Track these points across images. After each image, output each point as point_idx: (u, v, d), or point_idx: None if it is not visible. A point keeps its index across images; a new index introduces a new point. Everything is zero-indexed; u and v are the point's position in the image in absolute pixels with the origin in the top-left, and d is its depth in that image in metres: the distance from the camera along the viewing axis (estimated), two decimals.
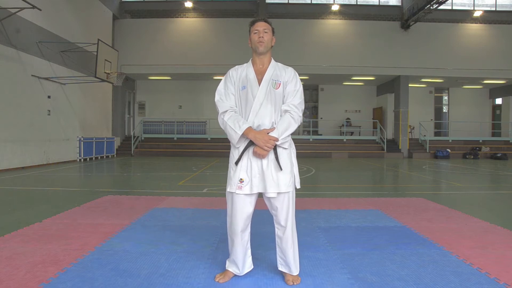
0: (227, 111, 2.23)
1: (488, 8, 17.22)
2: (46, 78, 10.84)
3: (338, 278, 2.37)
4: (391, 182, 8.46)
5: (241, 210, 2.23)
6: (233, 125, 2.17)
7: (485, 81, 17.84)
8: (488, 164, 12.77)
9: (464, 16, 16.97)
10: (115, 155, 15.36)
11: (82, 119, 13.18)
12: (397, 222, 3.87)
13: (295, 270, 2.31)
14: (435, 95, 19.76)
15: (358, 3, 17.06)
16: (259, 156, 2.17)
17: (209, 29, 16.64)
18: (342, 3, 16.78)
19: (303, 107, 2.27)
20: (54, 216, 4.04)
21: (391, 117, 17.79)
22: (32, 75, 10.23)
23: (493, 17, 17.01)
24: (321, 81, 18.77)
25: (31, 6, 8.86)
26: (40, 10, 9.45)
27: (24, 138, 9.94)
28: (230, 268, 2.37)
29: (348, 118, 19.01)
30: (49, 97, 11.03)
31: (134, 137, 16.49)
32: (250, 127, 2.17)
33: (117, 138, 16.21)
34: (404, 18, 16.45)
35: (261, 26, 2.26)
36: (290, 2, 17.00)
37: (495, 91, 19.34)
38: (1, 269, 2.45)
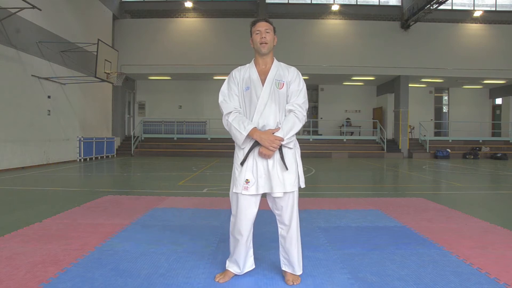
0: (231, 112, 2.23)
1: (488, 8, 17.22)
2: (46, 78, 10.84)
3: (338, 278, 2.37)
4: (391, 182, 8.46)
5: (246, 211, 2.23)
6: (238, 126, 2.17)
7: (485, 81, 17.84)
8: (488, 164, 12.77)
9: (464, 16, 16.97)
10: (115, 155, 15.36)
11: (82, 119, 13.18)
12: (397, 222, 3.87)
13: (298, 270, 2.31)
14: (435, 95, 19.76)
15: (358, 3, 17.06)
16: (265, 156, 2.17)
17: (209, 29, 16.64)
18: (342, 3, 16.79)
19: (307, 106, 2.28)
20: (54, 216, 4.04)
21: (391, 117, 17.79)
22: (32, 75, 10.23)
23: (493, 17, 17.01)
24: (321, 81, 18.77)
25: (31, 6, 8.86)
26: (40, 10, 9.45)
27: (24, 138, 9.94)
28: (230, 268, 2.37)
29: (348, 118, 19.01)
30: (49, 97, 11.03)
31: (134, 137, 16.49)
32: (255, 127, 2.17)
33: (117, 138, 16.21)
34: (404, 18, 16.45)
35: (262, 26, 2.25)
36: (290, 2, 17.00)
37: (495, 91, 19.34)
38: (1, 269, 2.45)
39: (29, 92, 10.16)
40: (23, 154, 9.89)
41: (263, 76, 2.26)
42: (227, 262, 2.40)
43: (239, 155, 2.25)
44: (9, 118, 9.35)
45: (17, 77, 9.68)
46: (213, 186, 6.77)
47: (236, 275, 2.38)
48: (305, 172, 9.31)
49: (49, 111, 11.09)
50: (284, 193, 2.20)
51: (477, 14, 16.84)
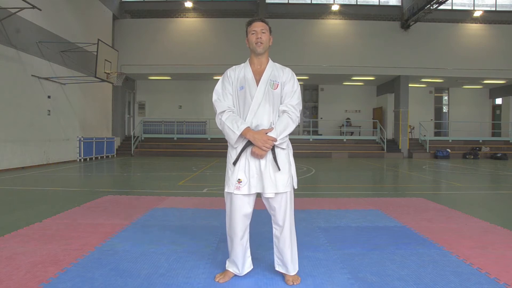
0: (225, 111, 2.23)
1: (488, 8, 17.22)
2: (46, 78, 10.84)
3: (338, 278, 2.37)
4: (391, 182, 8.46)
5: (240, 210, 2.23)
6: (231, 125, 2.17)
7: (485, 81, 17.84)
8: (488, 164, 12.77)
9: (464, 16, 16.97)
10: (115, 155, 15.36)
11: (82, 119, 13.18)
12: (397, 222, 3.87)
13: (292, 270, 2.31)
14: (435, 95, 19.76)
15: (358, 3, 17.06)
16: (257, 156, 2.17)
17: (209, 29, 16.64)
18: (342, 3, 16.79)
19: (301, 108, 2.29)
20: (54, 216, 4.04)
21: (391, 117, 17.79)
22: (32, 75, 10.23)
23: (493, 17, 17.01)
24: (321, 81, 18.77)
25: (31, 6, 8.86)
26: (40, 10, 9.45)
27: (24, 138, 9.94)
28: (230, 268, 2.37)
29: (348, 118, 19.00)
30: (49, 97, 11.03)
31: (134, 137, 16.49)
32: (248, 127, 2.18)
33: (117, 138, 16.21)
34: (404, 18, 16.44)
35: (258, 26, 2.25)
36: (290, 2, 17.00)
37: (495, 91, 19.34)
38: (1, 269, 2.45)
39: (29, 92, 10.16)
40: (23, 154, 9.89)
41: (258, 76, 2.26)
42: (227, 262, 2.41)
43: (232, 154, 2.26)
44: (9, 118, 9.35)
45: (17, 77, 9.68)
46: (213, 186, 6.77)
47: (236, 275, 2.38)
48: (305, 172, 9.36)
49: (49, 111, 11.09)
50: (276, 193, 2.20)
51: (477, 14, 16.84)
